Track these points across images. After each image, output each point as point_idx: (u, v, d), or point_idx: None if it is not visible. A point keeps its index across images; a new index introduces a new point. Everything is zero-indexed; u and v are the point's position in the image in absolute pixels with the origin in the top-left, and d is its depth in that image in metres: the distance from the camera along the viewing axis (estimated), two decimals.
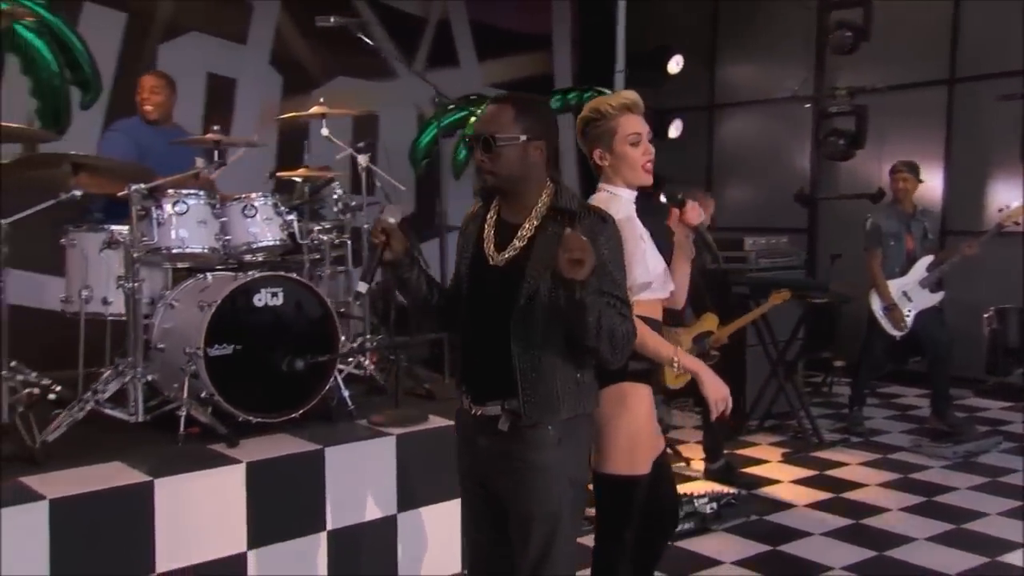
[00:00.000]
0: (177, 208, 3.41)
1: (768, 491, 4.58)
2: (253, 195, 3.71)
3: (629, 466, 2.30)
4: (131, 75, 5.05)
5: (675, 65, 7.49)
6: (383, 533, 3.36)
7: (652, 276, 2.28)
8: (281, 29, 6.75)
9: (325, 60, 6.85)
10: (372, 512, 3.33)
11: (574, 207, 2.04)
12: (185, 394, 3.21)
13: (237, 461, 3.00)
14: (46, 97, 5.24)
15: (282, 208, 3.77)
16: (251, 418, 3.30)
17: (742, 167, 8.15)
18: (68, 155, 3.33)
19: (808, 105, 7.45)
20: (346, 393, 3.63)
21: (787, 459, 5.14)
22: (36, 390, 3.37)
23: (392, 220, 2.03)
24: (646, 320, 2.29)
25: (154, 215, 3.37)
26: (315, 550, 3.16)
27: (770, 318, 5.15)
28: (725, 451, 5.01)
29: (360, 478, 3.29)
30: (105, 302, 3.51)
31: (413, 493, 3.44)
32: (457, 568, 3.49)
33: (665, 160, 8.15)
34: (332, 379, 3.57)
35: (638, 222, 2.33)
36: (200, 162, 3.97)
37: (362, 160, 4.07)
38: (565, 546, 2.06)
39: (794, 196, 7.23)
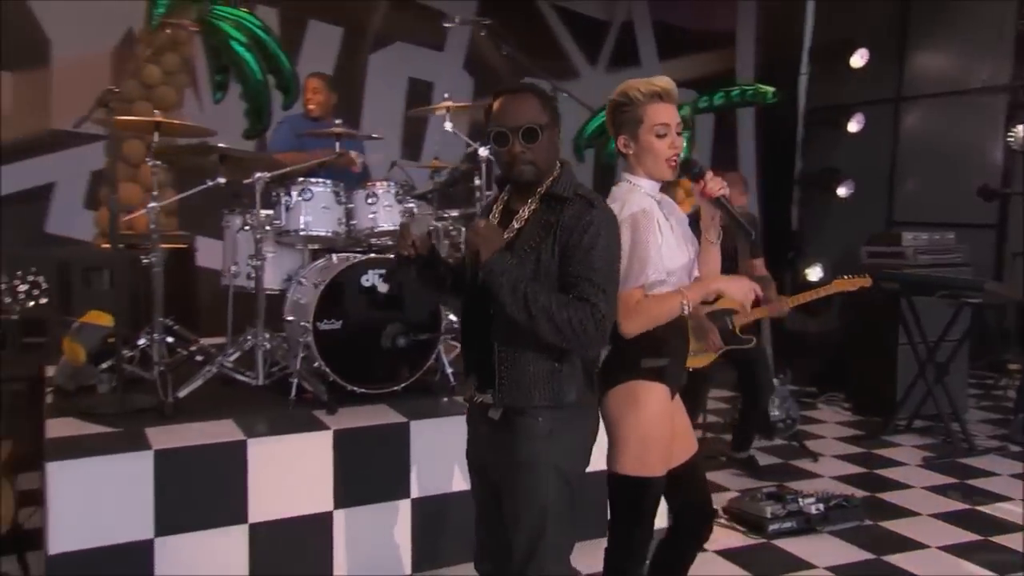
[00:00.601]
0: (303, 195, 3.62)
1: (892, 496, 4.12)
2: (377, 184, 3.87)
3: (639, 467, 2.15)
4: (344, 81, 5.75)
5: (859, 59, 7.32)
6: (468, 507, 3.40)
7: (666, 273, 2.09)
8: (475, 37, 7.15)
9: (513, 63, 7.19)
10: (458, 484, 3.37)
11: (567, 194, 1.96)
12: (298, 363, 3.44)
13: (326, 428, 3.15)
14: (253, 100, 5.73)
15: (403, 196, 3.89)
16: (355, 389, 3.48)
17: (928, 161, 7.32)
18: (215, 147, 3.66)
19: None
20: (450, 370, 3.71)
21: (927, 464, 4.60)
22: (184, 351, 3.76)
23: (417, 232, 2.01)
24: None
25: (283, 201, 3.62)
26: (399, 515, 3.25)
27: (922, 317, 4.62)
28: (863, 448, 4.58)
29: (445, 451, 3.32)
30: (248, 277, 3.82)
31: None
32: None
33: (845, 154, 7.76)
34: (435, 356, 3.67)
35: (657, 214, 2.14)
36: (354, 154, 4.24)
37: (483, 152, 4.10)
38: (554, 541, 1.98)
39: (977, 190, 6.37)
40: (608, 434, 2.19)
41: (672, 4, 8.17)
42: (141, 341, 3.60)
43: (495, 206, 2.12)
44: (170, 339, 3.77)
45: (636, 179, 2.19)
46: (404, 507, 3.26)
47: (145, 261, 3.63)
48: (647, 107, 2.13)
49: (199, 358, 3.78)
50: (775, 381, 4.42)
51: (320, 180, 3.70)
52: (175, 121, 3.90)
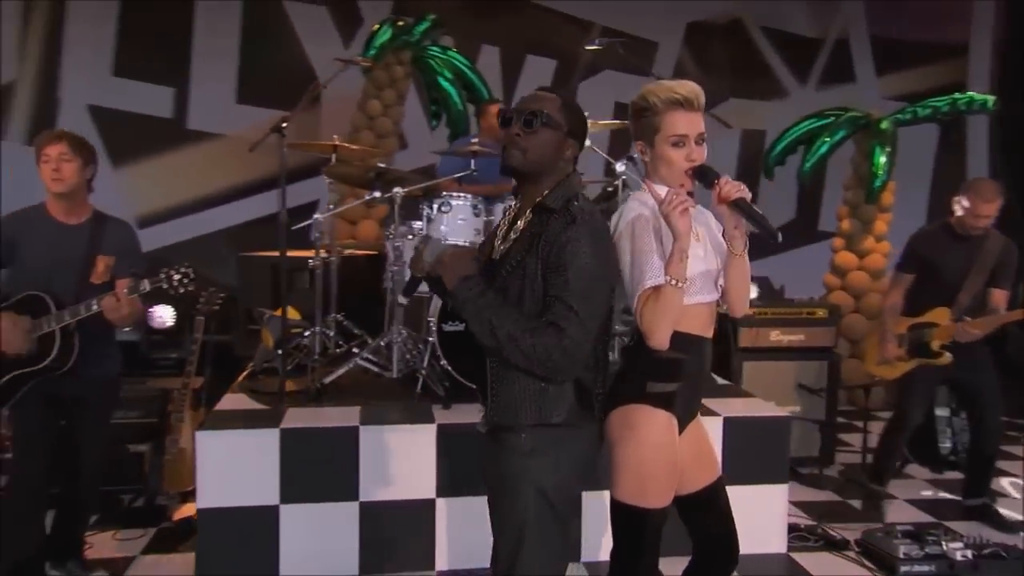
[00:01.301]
0: (443, 208, 3.76)
1: None
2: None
3: (638, 496, 1.93)
4: None
5: None
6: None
7: (672, 280, 1.82)
8: (681, 60, 7.54)
9: (718, 84, 7.37)
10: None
11: (555, 205, 1.84)
12: (425, 360, 3.59)
13: (431, 422, 3.25)
14: (454, 127, 6.09)
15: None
16: (472, 386, 3.54)
17: None
18: (373, 165, 3.95)
19: None
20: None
21: None
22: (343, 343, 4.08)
23: (429, 256, 1.96)
24: (681, 335, 1.91)
25: (425, 213, 3.80)
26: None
27: None
28: None
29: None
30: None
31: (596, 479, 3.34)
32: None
33: None
34: None
35: (655, 220, 1.91)
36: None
37: (619, 167, 3.96)
38: (531, 559, 1.87)
39: None
40: (610, 456, 2.01)
41: (894, 17, 7.60)
42: (307, 333, 3.98)
43: (503, 218, 2.06)
44: (331, 333, 4.11)
45: (652, 189, 1.96)
46: None
47: (311, 264, 4.00)
48: (665, 115, 1.92)
49: (354, 350, 4.08)
50: (945, 410, 3.78)
51: (460, 195, 3.82)
52: (348, 145, 4.24)
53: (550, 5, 7.20)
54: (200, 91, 6.84)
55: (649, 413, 1.93)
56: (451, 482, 3.23)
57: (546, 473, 1.86)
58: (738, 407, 3.60)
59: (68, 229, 2.86)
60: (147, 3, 6.62)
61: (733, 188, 1.87)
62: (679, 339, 1.90)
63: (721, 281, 2.03)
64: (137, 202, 6.52)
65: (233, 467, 3.08)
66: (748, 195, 1.88)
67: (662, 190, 1.95)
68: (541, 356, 1.74)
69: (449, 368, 3.52)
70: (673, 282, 1.81)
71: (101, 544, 3.41)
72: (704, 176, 1.93)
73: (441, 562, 3.23)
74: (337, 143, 4.05)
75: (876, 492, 3.91)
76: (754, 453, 3.43)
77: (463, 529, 3.23)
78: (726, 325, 4.31)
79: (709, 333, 2.02)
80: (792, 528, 3.55)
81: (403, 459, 3.20)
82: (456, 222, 3.77)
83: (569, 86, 7.17)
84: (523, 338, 1.74)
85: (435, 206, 3.76)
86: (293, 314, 4.11)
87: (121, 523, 3.62)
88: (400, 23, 5.61)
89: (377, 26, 5.66)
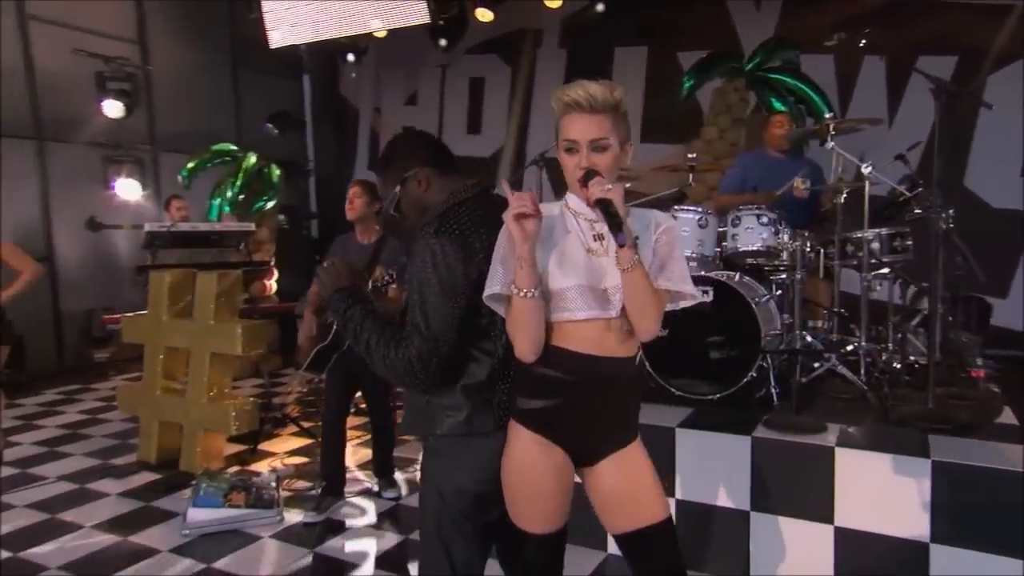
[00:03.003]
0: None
1: None
2: (743, 208, 3.48)
3: (513, 515, 1.66)
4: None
5: None
6: (733, 523, 2.86)
7: (519, 290, 1.53)
8: None
9: None
10: (723, 500, 2.89)
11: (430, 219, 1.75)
12: None
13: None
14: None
15: (764, 219, 3.39)
16: (674, 392, 3.29)
17: None
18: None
19: None
20: (775, 389, 3.09)
21: None
22: None
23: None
24: (558, 350, 1.59)
25: None
26: None
27: None
28: None
29: (711, 464, 2.90)
30: None
31: (769, 497, 2.79)
32: None
33: None
34: (753, 372, 3.13)
35: (512, 227, 1.53)
36: (798, 181, 3.88)
37: (864, 170, 3.14)
38: (428, 550, 1.79)
39: None
40: None
41: None
42: None
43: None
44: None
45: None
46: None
47: None
48: (562, 119, 1.61)
49: None
50: None
51: (688, 207, 3.57)
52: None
53: None
54: None
55: (515, 430, 1.65)
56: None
57: (444, 476, 1.76)
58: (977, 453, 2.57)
59: (361, 247, 3.57)
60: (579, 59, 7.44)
61: (598, 187, 1.51)
62: (556, 355, 1.60)
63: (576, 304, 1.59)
64: None
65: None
66: (616, 197, 1.49)
67: (572, 197, 1.66)
68: (395, 368, 1.67)
69: (649, 370, 3.36)
70: (517, 292, 1.54)
71: None
72: (586, 178, 1.56)
73: None
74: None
75: None
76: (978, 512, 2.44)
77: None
78: None
79: (606, 352, 1.60)
80: None
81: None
82: (680, 233, 3.54)
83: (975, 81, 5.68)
84: (379, 349, 1.69)
85: None
86: None
87: None
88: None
89: None
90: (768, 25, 6.42)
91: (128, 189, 7.03)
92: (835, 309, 3.64)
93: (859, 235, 3.29)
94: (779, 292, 3.60)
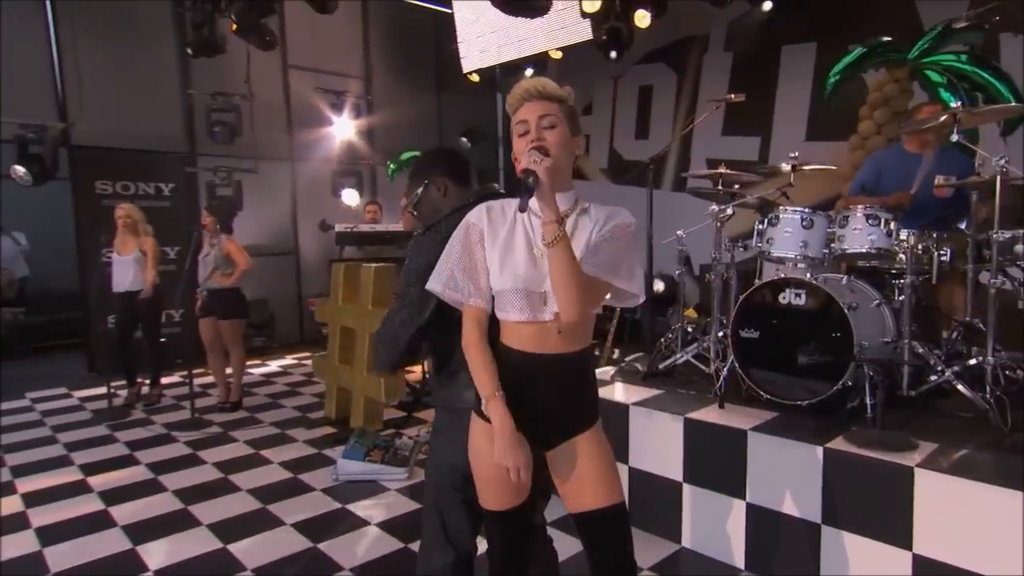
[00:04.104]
0: (771, 222, 3.22)
1: None
2: (851, 208, 3.03)
3: (479, 497, 1.67)
4: None
5: None
6: (804, 535, 2.54)
7: (446, 287, 1.58)
8: None
9: None
10: (790, 507, 2.57)
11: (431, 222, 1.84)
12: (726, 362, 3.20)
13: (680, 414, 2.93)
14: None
15: (875, 220, 2.91)
16: (762, 395, 2.99)
17: None
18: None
19: None
20: (870, 400, 2.67)
21: None
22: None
23: None
24: (503, 347, 1.57)
25: (757, 228, 3.31)
26: (734, 511, 2.75)
27: None
28: None
29: (780, 472, 2.60)
30: None
31: (839, 513, 2.43)
32: None
33: None
34: (848, 381, 2.72)
35: (475, 222, 1.58)
36: (940, 178, 3.35)
37: (997, 164, 2.53)
38: (427, 515, 1.87)
39: None
40: None
41: None
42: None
43: None
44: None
45: None
46: (741, 506, 2.73)
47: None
48: (516, 112, 1.56)
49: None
50: None
51: (793, 208, 3.19)
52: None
53: None
54: (779, 134, 6.88)
55: (473, 418, 1.65)
56: (697, 474, 2.90)
57: (440, 451, 1.84)
58: None
59: None
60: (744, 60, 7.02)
61: (528, 158, 1.44)
62: (502, 350, 1.57)
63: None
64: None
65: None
66: (542, 170, 1.41)
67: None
68: (378, 342, 1.84)
69: (740, 373, 3.08)
70: (484, 404, 1.56)
71: None
72: (536, 152, 1.47)
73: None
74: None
75: None
76: None
77: None
78: None
79: (547, 349, 1.53)
80: None
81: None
82: (783, 234, 3.20)
83: None
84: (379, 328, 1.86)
85: (766, 220, 3.28)
86: (689, 313, 4.15)
87: None
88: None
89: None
90: (959, 6, 5.42)
91: (350, 197, 7.98)
92: (967, 319, 3.02)
93: (991, 235, 2.71)
94: (901, 297, 3.09)
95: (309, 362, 7.04)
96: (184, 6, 6.44)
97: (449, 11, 8.05)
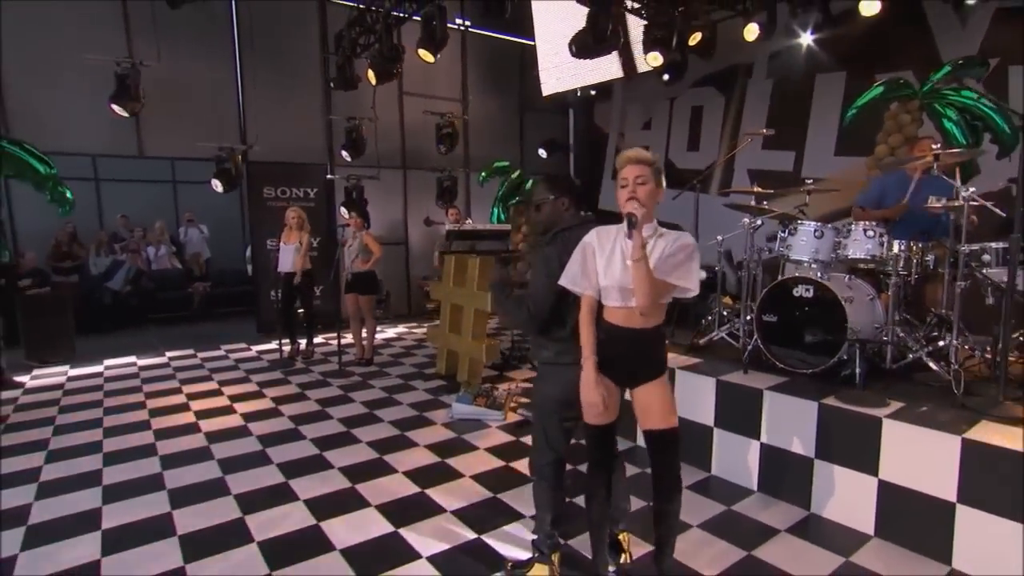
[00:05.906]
0: (790, 232, 3.68)
1: None
2: (854, 224, 3.46)
3: (584, 415, 2.21)
4: None
5: None
6: (802, 465, 3.06)
7: (571, 282, 2.15)
8: None
9: None
10: (793, 446, 3.09)
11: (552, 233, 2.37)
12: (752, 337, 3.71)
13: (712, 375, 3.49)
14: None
15: (871, 233, 3.35)
16: (777, 364, 3.49)
17: None
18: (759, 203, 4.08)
19: None
20: (860, 370, 3.15)
21: None
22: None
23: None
24: (604, 322, 2.14)
25: (778, 235, 3.78)
26: (751, 448, 3.25)
27: None
28: None
29: (788, 420, 3.11)
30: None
31: (828, 450, 2.96)
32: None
33: None
34: (843, 355, 3.21)
35: (589, 241, 2.15)
36: (932, 199, 3.73)
37: (964, 193, 2.91)
38: (534, 429, 2.40)
39: None
40: None
41: None
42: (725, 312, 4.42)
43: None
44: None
45: None
46: (755, 446, 3.27)
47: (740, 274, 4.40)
48: (620, 171, 2.11)
49: None
50: None
51: (808, 222, 3.65)
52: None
53: None
54: (812, 149, 7.13)
55: (587, 363, 2.15)
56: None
57: (548, 388, 2.37)
58: None
59: None
60: (783, 87, 7.27)
61: (630, 205, 2.01)
62: (603, 325, 2.13)
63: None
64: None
65: None
66: (638, 213, 1.98)
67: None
68: (516, 322, 2.37)
69: (763, 349, 3.59)
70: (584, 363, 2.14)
71: None
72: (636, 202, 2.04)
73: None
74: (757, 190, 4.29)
75: None
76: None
77: None
78: None
79: (630, 324, 2.08)
80: None
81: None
82: (799, 242, 3.67)
83: None
84: (511, 313, 2.37)
85: (787, 230, 3.75)
86: (726, 300, 4.63)
87: None
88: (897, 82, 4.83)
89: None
90: (974, 41, 5.57)
91: (445, 200, 8.73)
92: (942, 311, 3.43)
93: (959, 247, 3.13)
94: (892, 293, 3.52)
95: (418, 331, 7.90)
96: (328, 52, 7.29)
97: (532, 43, 8.63)
